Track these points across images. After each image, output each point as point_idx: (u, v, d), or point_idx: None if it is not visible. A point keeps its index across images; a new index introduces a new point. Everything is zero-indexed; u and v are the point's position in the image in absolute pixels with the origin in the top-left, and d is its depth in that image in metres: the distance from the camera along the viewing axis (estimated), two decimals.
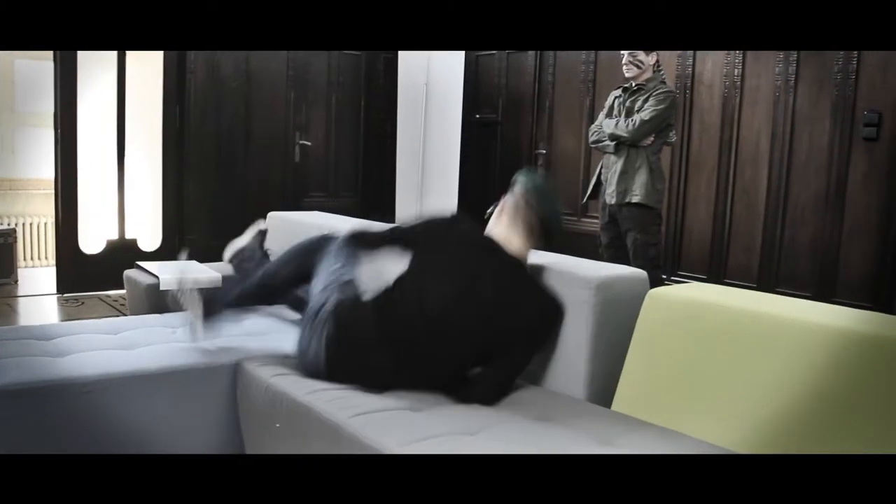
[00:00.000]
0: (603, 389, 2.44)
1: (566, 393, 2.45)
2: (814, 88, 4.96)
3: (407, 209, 7.10)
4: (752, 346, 2.14)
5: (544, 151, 6.51)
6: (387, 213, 6.83)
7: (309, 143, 6.97)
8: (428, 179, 7.27)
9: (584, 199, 5.12)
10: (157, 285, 3.48)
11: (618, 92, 4.79)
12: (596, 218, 5.16)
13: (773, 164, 5.14)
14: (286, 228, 3.87)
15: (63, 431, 2.41)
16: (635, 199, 4.60)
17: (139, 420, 2.53)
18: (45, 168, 6.52)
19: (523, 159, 6.70)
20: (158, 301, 3.42)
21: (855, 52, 4.69)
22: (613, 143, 4.64)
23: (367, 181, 7.46)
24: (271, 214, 4.20)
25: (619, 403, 2.39)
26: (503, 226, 2.50)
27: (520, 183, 2.54)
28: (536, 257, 2.59)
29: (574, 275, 2.50)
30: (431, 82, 7.22)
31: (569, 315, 2.46)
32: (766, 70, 5.16)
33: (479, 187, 7.04)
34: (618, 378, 2.42)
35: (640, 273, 2.61)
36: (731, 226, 5.36)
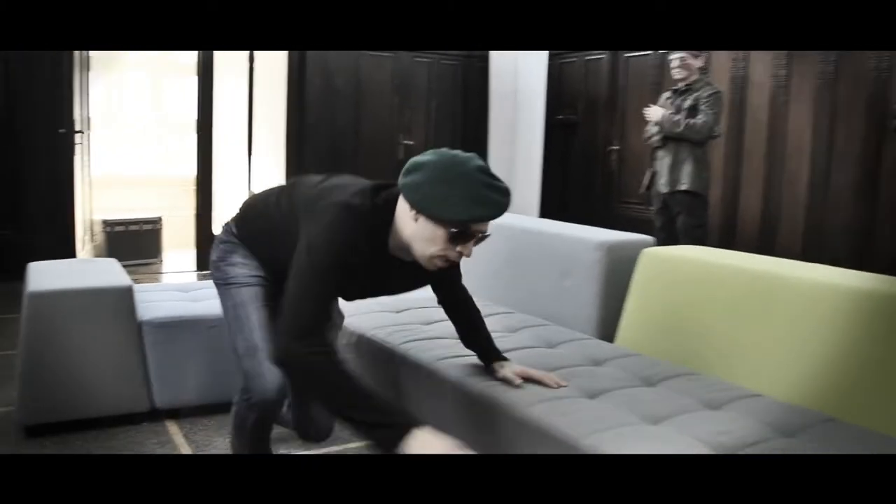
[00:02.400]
0: (609, 329, 3.23)
1: (578, 331, 3.23)
2: (850, 86, 5.54)
3: None
4: (726, 292, 2.84)
5: (617, 148, 7.22)
6: None
7: (412, 143, 7.86)
8: (516, 175, 8.11)
9: (644, 189, 5.78)
10: None
11: (668, 94, 5.47)
12: None
13: (815, 155, 5.74)
14: None
15: (193, 355, 3.32)
16: (684, 187, 5.28)
17: None
18: (187, 167, 7.67)
19: (599, 156, 7.44)
20: None
21: (887, 52, 5.26)
22: (659, 136, 5.32)
23: None
24: None
25: (620, 339, 3.18)
26: None
27: None
28: (554, 226, 3.43)
29: (587, 239, 3.31)
30: (519, 88, 8.06)
31: (582, 272, 3.26)
32: (811, 70, 5.75)
33: (560, 182, 7.84)
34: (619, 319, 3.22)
35: (641, 238, 3.39)
36: (778, 210, 5.98)
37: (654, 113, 5.38)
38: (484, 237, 2.11)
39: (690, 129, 5.19)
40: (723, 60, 6.25)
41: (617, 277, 3.24)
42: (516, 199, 8.04)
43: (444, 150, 2.10)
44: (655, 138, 5.40)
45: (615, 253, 3.26)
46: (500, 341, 2.76)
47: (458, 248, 2.07)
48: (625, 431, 2.12)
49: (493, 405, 2.40)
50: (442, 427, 2.57)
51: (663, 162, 5.39)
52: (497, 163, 7.91)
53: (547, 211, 7.84)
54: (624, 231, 3.58)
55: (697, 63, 5.32)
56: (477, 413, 2.48)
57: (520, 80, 8.09)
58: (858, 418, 2.25)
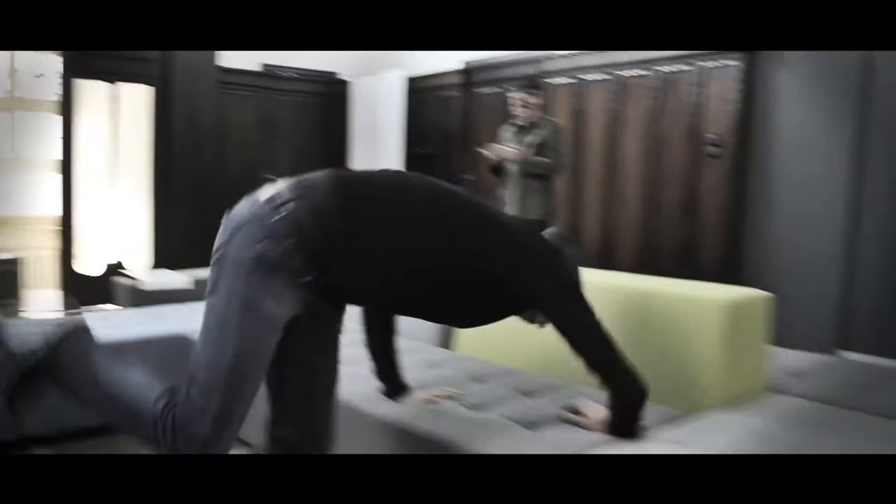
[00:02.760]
0: (447, 338, 3.61)
1: (421, 341, 3.59)
2: (672, 118, 6.16)
3: None
4: None
5: (472, 178, 7.68)
6: None
7: (274, 178, 8.09)
8: None
9: None
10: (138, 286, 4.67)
11: (512, 128, 5.86)
12: None
13: (646, 179, 6.34)
14: None
15: None
16: (534, 216, 5.70)
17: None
18: (43, 206, 7.69)
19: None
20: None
21: (699, 87, 5.91)
22: (493, 171, 5.75)
23: None
24: None
25: (458, 347, 3.55)
26: None
27: None
28: None
29: None
30: (378, 122, 8.44)
31: None
32: (639, 104, 6.36)
33: None
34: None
35: None
36: (615, 230, 6.55)
37: (511, 153, 5.67)
38: None
39: (545, 167, 5.62)
40: (562, 93, 6.82)
41: None
42: None
43: None
44: (494, 172, 5.80)
45: None
46: (348, 352, 3.09)
47: None
48: (445, 414, 2.51)
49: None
50: None
51: (513, 193, 5.78)
52: None
53: None
54: None
55: (538, 101, 5.76)
56: None
57: (378, 113, 8.49)
58: (666, 399, 2.64)
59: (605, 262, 6.43)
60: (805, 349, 3.52)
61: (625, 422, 2.19)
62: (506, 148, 5.72)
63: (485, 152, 5.79)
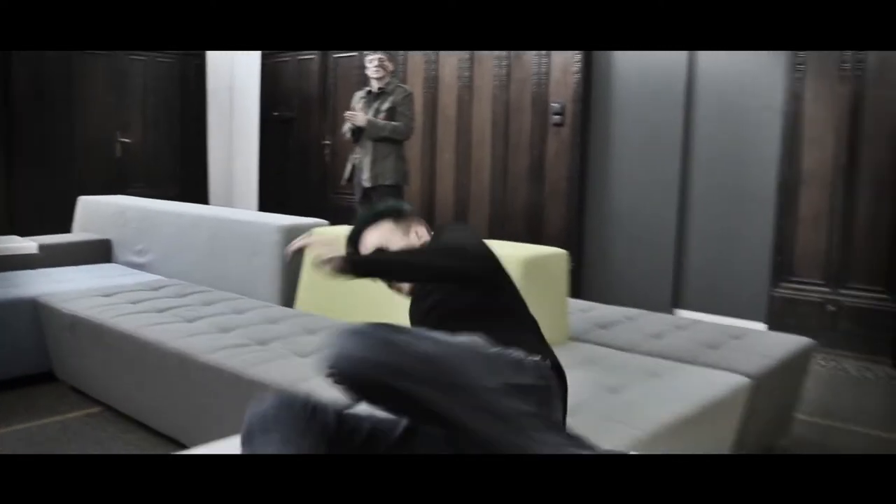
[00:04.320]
0: (289, 297, 3.78)
1: (265, 301, 3.76)
2: (519, 86, 6.43)
3: (219, 197, 8.31)
4: None
5: (329, 143, 7.79)
6: (202, 201, 7.99)
7: (130, 141, 8.02)
8: (235, 169, 8.50)
9: (345, 181, 6.27)
10: None
11: (363, 95, 5.95)
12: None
13: (495, 146, 6.60)
14: (101, 212, 5.09)
15: None
16: (387, 182, 5.86)
17: None
18: None
19: (313, 150, 7.99)
20: None
21: (544, 56, 6.18)
22: (351, 134, 5.89)
23: (184, 173, 8.52)
24: (82, 199, 5.35)
25: (298, 305, 3.72)
26: None
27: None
28: (243, 214, 3.93)
29: (269, 224, 3.86)
30: (235, 86, 8.44)
31: (266, 251, 3.79)
32: (488, 73, 6.60)
33: (278, 175, 8.32)
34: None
35: (315, 220, 3.96)
36: (467, 195, 6.81)
37: (360, 118, 5.76)
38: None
39: (395, 131, 5.77)
40: (417, 62, 6.99)
41: (295, 255, 3.78)
42: (236, 192, 8.45)
43: None
44: (348, 136, 5.93)
45: (293, 234, 3.78)
46: (197, 311, 3.38)
47: None
48: (282, 364, 2.73)
49: (184, 357, 2.93)
50: (146, 383, 3.06)
51: (365, 158, 5.88)
52: (216, 159, 8.27)
53: (266, 202, 8.28)
54: (334, 219, 4.18)
55: (391, 66, 5.91)
56: (173, 366, 2.99)
57: (235, 79, 8.48)
58: None
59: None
60: (645, 308, 3.84)
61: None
62: (357, 113, 5.85)
63: (348, 116, 5.89)
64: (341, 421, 1.76)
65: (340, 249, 2.03)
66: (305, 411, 1.72)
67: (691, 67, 5.66)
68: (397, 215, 2.30)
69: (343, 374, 1.56)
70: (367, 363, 1.55)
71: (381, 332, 1.59)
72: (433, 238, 2.29)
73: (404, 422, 1.83)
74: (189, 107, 8.48)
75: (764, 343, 3.18)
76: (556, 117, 6.23)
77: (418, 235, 2.29)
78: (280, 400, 1.74)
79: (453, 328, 1.83)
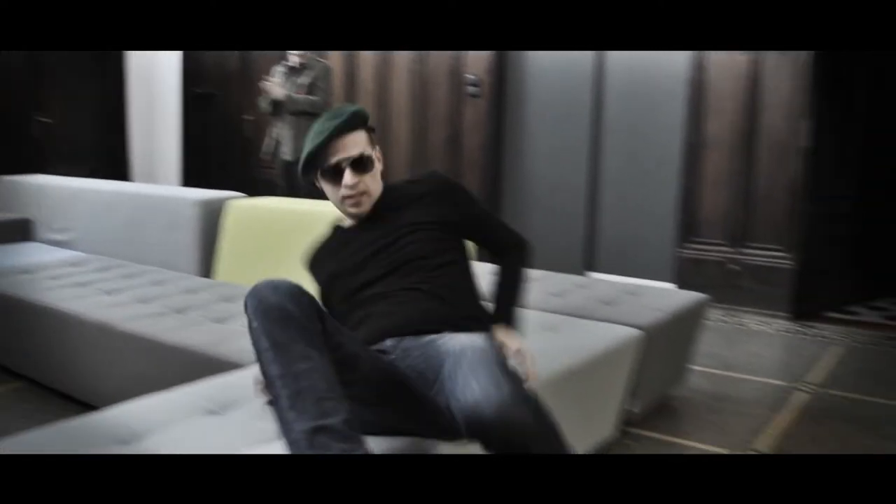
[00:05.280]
0: (207, 268, 3.88)
1: (184, 272, 3.87)
2: (436, 59, 6.56)
3: (142, 174, 8.29)
4: (284, 227, 3.59)
5: (251, 118, 7.82)
6: (123, 178, 7.97)
7: (50, 121, 7.92)
8: (157, 146, 8.47)
9: (265, 154, 6.32)
10: None
11: (282, 69, 6.02)
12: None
13: (414, 118, 6.73)
14: (19, 192, 5.10)
15: None
16: None
17: None
18: None
19: (235, 125, 8.01)
20: None
21: None
22: (269, 108, 5.96)
23: (104, 150, 8.41)
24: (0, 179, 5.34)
25: (217, 275, 3.83)
26: None
27: None
28: (161, 189, 4.00)
29: (186, 198, 3.95)
30: (156, 62, 8.39)
31: (184, 224, 3.89)
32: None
33: (201, 150, 8.33)
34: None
35: (228, 193, 4.07)
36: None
37: (277, 91, 5.88)
38: (354, 162, 2.10)
39: (313, 105, 5.86)
40: None
41: (211, 227, 3.90)
42: (158, 168, 8.42)
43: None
44: (264, 107, 6.00)
45: (210, 207, 3.90)
46: (118, 284, 3.51)
47: (343, 183, 2.10)
48: (198, 329, 2.86)
49: (104, 327, 3.02)
50: (68, 355, 3.15)
51: (286, 133, 5.98)
52: (138, 136, 8.24)
53: (190, 178, 8.29)
54: (257, 192, 4.33)
55: None
56: (94, 336, 3.08)
57: (156, 55, 8.42)
58: None
59: None
60: (560, 271, 4.02)
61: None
62: (274, 87, 5.92)
63: (265, 87, 5.96)
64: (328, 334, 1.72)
65: None
66: (312, 307, 1.68)
67: None
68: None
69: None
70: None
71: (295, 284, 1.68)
72: (468, 201, 2.32)
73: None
74: (108, 85, 8.40)
75: (658, 298, 3.39)
76: (472, 89, 6.38)
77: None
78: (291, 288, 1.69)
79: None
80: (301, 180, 2.23)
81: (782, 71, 5.10)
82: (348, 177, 2.08)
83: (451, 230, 2.24)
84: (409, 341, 1.94)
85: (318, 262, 2.28)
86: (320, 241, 2.32)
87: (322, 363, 1.59)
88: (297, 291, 1.67)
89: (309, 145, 2.09)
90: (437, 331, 1.92)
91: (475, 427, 1.50)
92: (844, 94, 5.29)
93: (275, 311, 1.62)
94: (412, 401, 1.80)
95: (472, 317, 2.11)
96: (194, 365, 2.59)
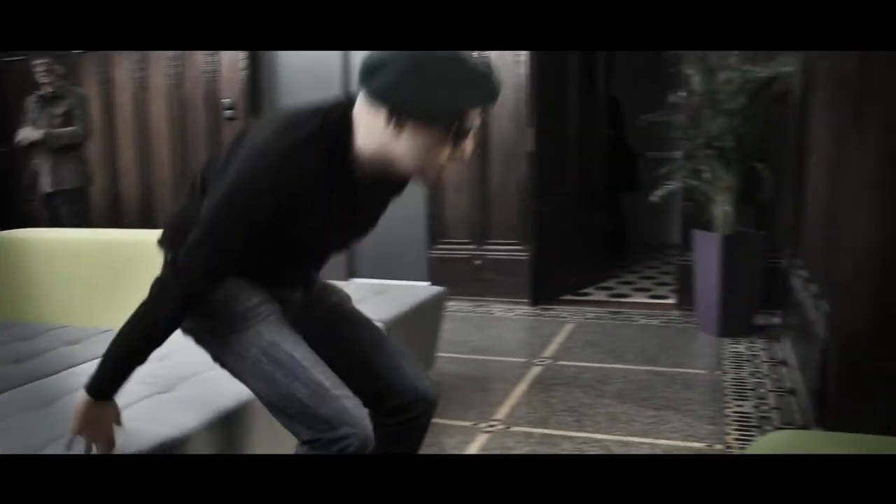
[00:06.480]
0: None
1: None
2: (192, 84, 6.79)
3: None
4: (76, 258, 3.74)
5: (4, 149, 7.65)
6: None
7: None
8: None
9: (25, 187, 6.29)
10: None
11: (35, 100, 5.99)
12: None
13: (174, 142, 6.92)
14: None
15: None
16: (68, 186, 5.96)
17: None
18: None
19: None
20: None
21: (213, 53, 6.56)
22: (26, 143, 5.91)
23: None
24: None
25: None
26: None
27: None
28: None
29: None
30: None
31: None
32: (161, 72, 6.87)
33: None
34: None
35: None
36: (151, 191, 7.07)
37: (34, 136, 5.86)
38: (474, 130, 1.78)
39: (73, 136, 5.89)
40: (87, 64, 7.11)
41: None
42: None
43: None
44: (26, 144, 5.95)
45: None
46: None
47: (463, 149, 1.77)
48: None
49: None
50: None
51: (45, 165, 5.95)
52: None
53: None
54: (14, 225, 4.36)
55: (61, 69, 6.00)
56: None
57: None
58: None
59: (145, 221, 6.93)
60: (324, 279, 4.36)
61: None
62: (29, 132, 5.92)
63: (21, 139, 5.93)
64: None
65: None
66: None
67: (346, 55, 6.29)
68: None
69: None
70: None
71: None
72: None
73: None
74: None
75: (400, 295, 3.84)
76: (228, 111, 6.65)
77: None
78: None
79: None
80: (395, 106, 1.63)
81: (507, 83, 5.74)
82: (470, 144, 1.77)
83: None
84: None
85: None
86: None
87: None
88: None
89: (470, 90, 1.67)
90: None
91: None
92: (559, 98, 6.03)
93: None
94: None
95: None
96: None
